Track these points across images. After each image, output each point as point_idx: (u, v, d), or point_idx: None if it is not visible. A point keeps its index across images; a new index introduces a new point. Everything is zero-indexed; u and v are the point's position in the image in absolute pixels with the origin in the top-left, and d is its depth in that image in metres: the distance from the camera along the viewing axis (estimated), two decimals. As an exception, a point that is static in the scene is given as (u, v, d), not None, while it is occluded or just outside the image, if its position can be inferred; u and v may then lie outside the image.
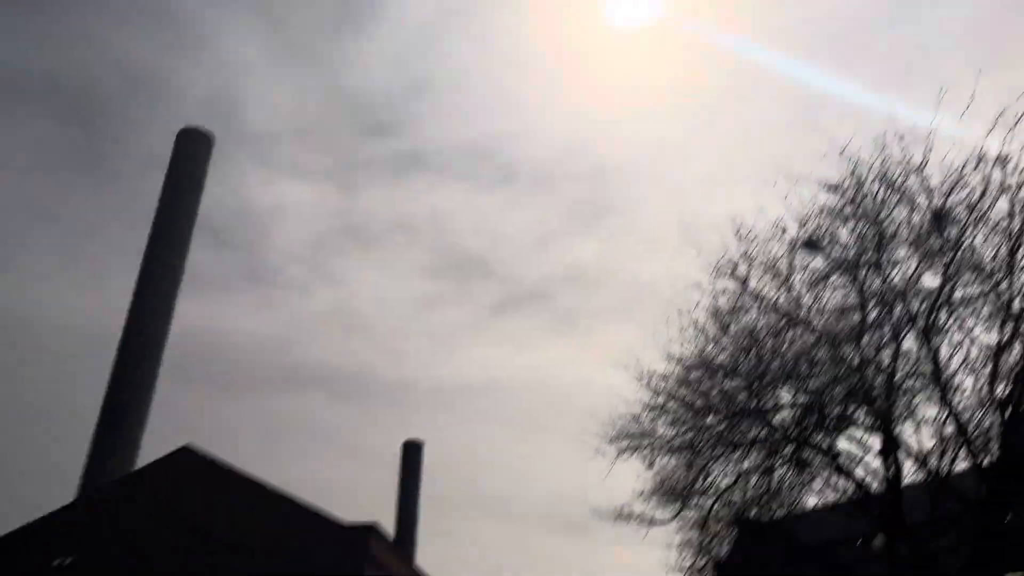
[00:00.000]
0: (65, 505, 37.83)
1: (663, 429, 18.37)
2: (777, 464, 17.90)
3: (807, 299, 17.13)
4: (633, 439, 18.37)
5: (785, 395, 17.76)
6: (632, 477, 18.78)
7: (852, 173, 16.26)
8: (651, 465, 18.39)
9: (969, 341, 15.45)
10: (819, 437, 17.37)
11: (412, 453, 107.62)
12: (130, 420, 52.33)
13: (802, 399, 17.41)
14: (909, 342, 16.23)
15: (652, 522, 18.23)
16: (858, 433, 17.00)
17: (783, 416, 17.81)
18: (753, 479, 18.19)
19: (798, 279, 17.10)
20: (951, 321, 15.70)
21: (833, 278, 16.84)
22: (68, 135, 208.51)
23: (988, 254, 15.20)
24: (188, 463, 36.79)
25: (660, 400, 18.33)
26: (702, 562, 18.51)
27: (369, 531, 33.91)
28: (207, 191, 67.58)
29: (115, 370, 53.96)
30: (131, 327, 55.46)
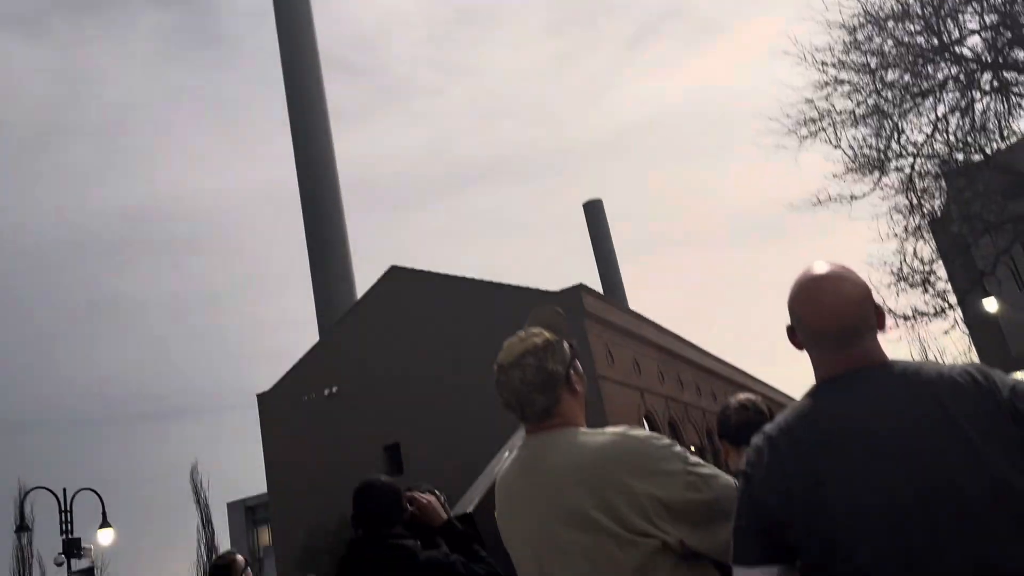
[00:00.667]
0: (314, 345, 42.45)
1: (841, 103, 17.24)
2: (976, 98, 16.44)
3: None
4: (812, 123, 17.44)
5: (970, 20, 15.97)
6: (820, 165, 17.98)
7: None
8: (837, 144, 17.48)
9: None
10: (1020, 53, 15.64)
11: (594, 213, 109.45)
12: (336, 256, 56.48)
13: (991, 18, 15.58)
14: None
15: (852, 198, 17.60)
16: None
17: (973, 44, 16.12)
18: (952, 122, 16.90)
19: None
20: None
21: None
22: (173, 16, 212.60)
23: None
24: (400, 281, 39.65)
25: (831, 74, 17.07)
26: (915, 222, 17.83)
27: (578, 290, 35.54)
28: (318, 28, 67.38)
29: (306, 219, 57.66)
30: (304, 176, 58.45)
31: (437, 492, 3.43)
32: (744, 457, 1.86)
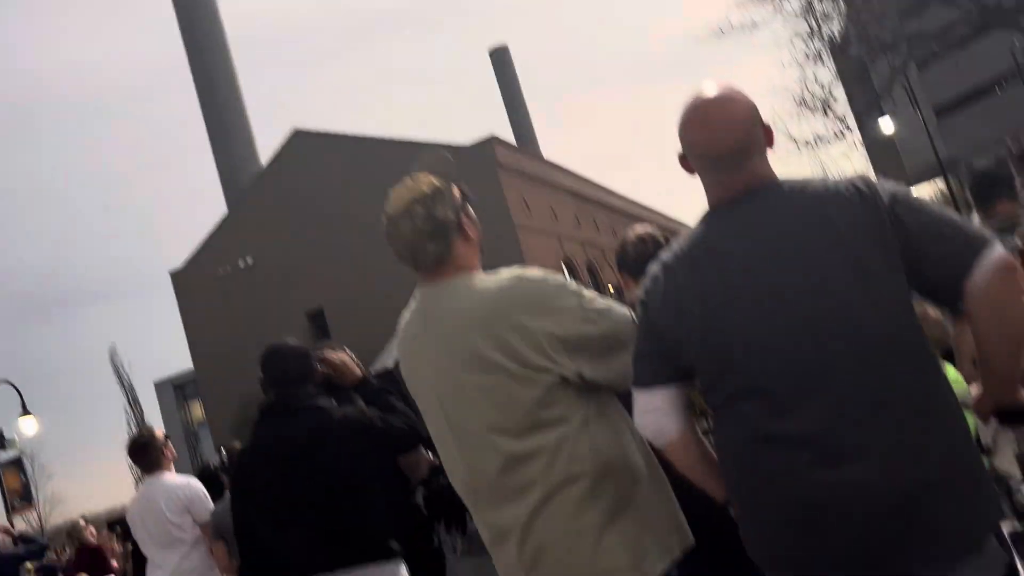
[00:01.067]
0: (223, 218, 41.23)
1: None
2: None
3: None
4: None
5: None
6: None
7: None
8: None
9: None
10: None
11: (501, 60, 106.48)
12: (235, 123, 54.05)
13: None
14: None
15: (754, 25, 17.49)
16: None
17: None
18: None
19: None
20: None
21: None
22: None
23: None
24: (305, 144, 38.32)
25: None
26: (815, 47, 17.92)
27: (491, 143, 35.08)
28: None
29: (198, 85, 54.58)
30: (190, 40, 54.83)
31: (347, 349, 3.39)
32: (642, 287, 1.87)
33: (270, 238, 37.64)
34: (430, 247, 2.06)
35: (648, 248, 2.75)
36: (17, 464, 19.21)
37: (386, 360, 4.35)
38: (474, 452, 2.01)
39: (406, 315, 2.21)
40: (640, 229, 2.98)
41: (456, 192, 2.14)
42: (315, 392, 3.10)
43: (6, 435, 18.06)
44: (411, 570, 3.12)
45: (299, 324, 35.43)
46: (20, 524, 18.43)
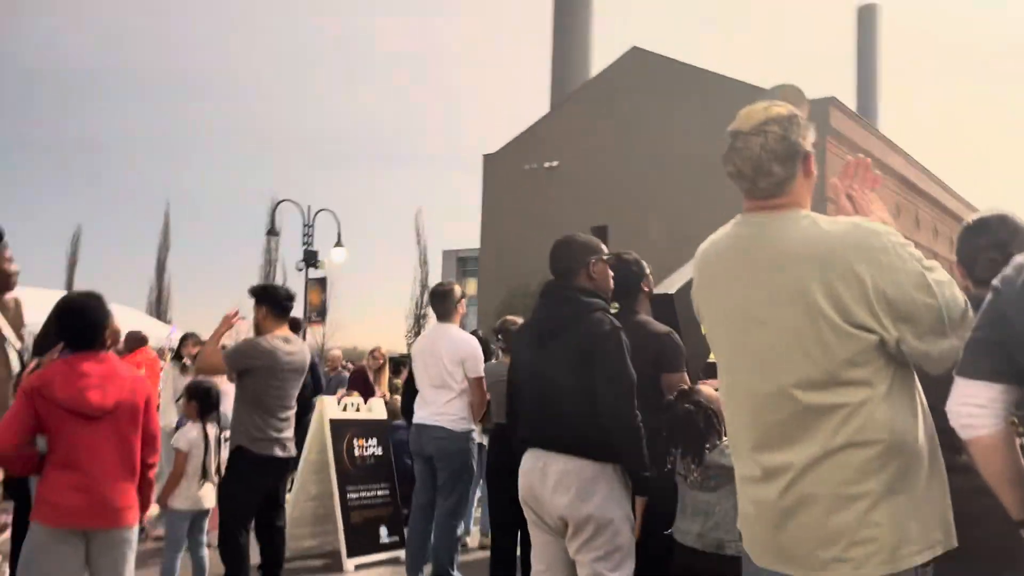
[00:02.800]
0: (543, 115, 42.79)
1: None
2: None
3: None
4: None
5: None
6: None
7: None
8: None
9: None
10: None
11: (867, 19, 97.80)
12: (579, 29, 55.12)
13: None
14: None
15: None
16: None
17: None
18: None
19: None
20: None
21: None
22: None
23: None
24: (638, 63, 38.30)
25: None
26: None
27: (827, 103, 32.83)
28: None
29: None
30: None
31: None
32: (1000, 274, 1.77)
33: (579, 146, 38.53)
34: (776, 169, 2.01)
35: (984, 238, 2.49)
36: (322, 283, 21.97)
37: (667, 286, 4.41)
38: (765, 393, 1.99)
39: (717, 240, 2.19)
40: (983, 214, 2.63)
41: (809, 128, 2.09)
42: (584, 287, 3.35)
43: (320, 256, 20.69)
44: (639, 488, 3.27)
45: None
46: (308, 337, 21.11)
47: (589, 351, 3.19)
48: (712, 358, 2.78)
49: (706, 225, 2.17)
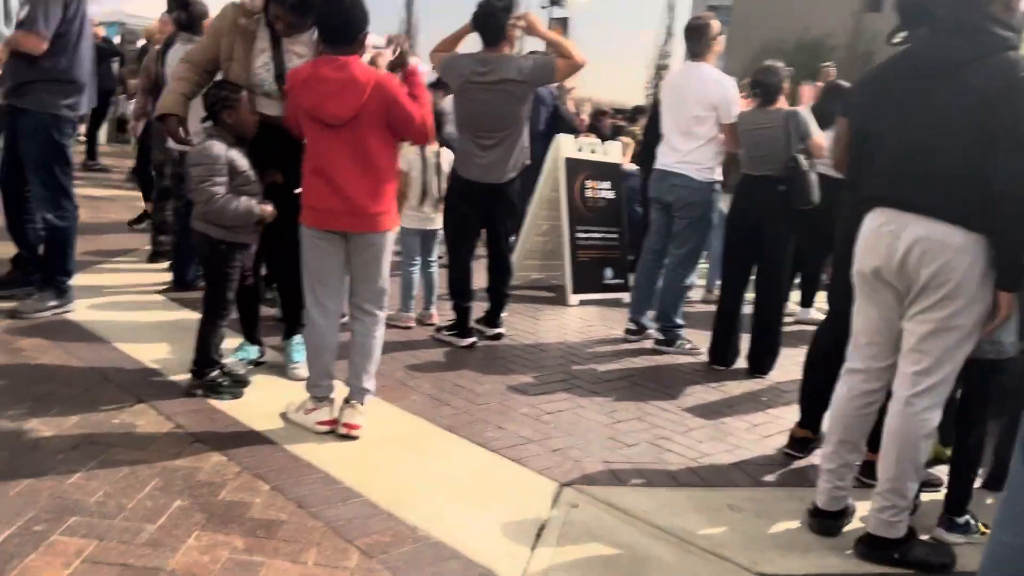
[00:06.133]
0: None
1: None
2: None
3: None
4: None
5: None
6: None
7: None
8: None
9: None
10: None
11: None
12: None
13: None
14: None
15: None
16: None
17: None
18: None
19: None
20: None
21: None
22: None
23: None
24: None
25: None
26: None
27: None
28: None
29: None
30: None
31: None
32: None
33: None
34: None
35: None
36: (564, 23, 21.31)
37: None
38: None
39: None
40: None
41: None
42: (1002, 20, 2.58)
43: (565, -3, 19.84)
44: (1007, 279, 2.67)
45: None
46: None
47: (992, 100, 2.50)
48: None
49: None
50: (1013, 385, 3.28)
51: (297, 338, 4.03)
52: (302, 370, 3.84)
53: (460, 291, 5.01)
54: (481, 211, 4.97)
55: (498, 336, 5.25)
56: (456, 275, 5.03)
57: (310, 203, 3.37)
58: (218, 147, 3.51)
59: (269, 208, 3.65)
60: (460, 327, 5.02)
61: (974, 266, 2.56)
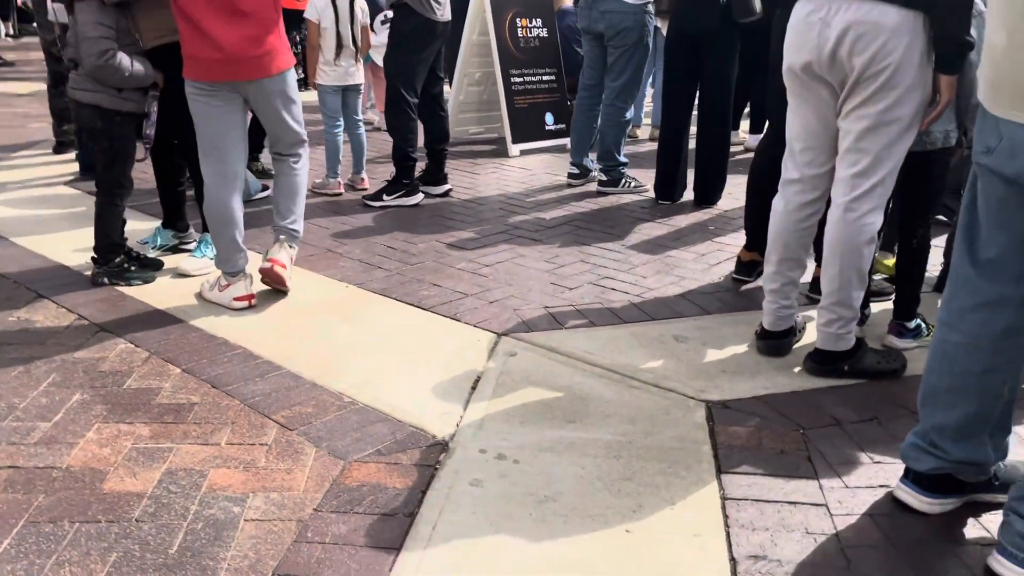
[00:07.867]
0: None
1: None
2: None
3: None
4: None
5: None
6: None
7: None
8: None
9: None
10: None
11: None
12: None
13: None
14: None
15: None
16: None
17: None
18: None
19: None
20: None
21: None
22: None
23: None
24: None
25: None
26: None
27: None
28: None
29: None
30: None
31: None
32: None
33: None
34: None
35: None
36: None
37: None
38: None
39: None
40: None
41: None
42: None
43: None
44: (946, 61, 2.41)
45: None
46: None
47: None
48: None
49: None
50: (954, 179, 3.11)
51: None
52: (188, 263, 3.56)
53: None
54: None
55: (446, 193, 5.04)
56: (407, 127, 4.75)
57: (189, 52, 3.01)
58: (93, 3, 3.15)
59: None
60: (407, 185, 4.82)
61: (911, 48, 2.30)
